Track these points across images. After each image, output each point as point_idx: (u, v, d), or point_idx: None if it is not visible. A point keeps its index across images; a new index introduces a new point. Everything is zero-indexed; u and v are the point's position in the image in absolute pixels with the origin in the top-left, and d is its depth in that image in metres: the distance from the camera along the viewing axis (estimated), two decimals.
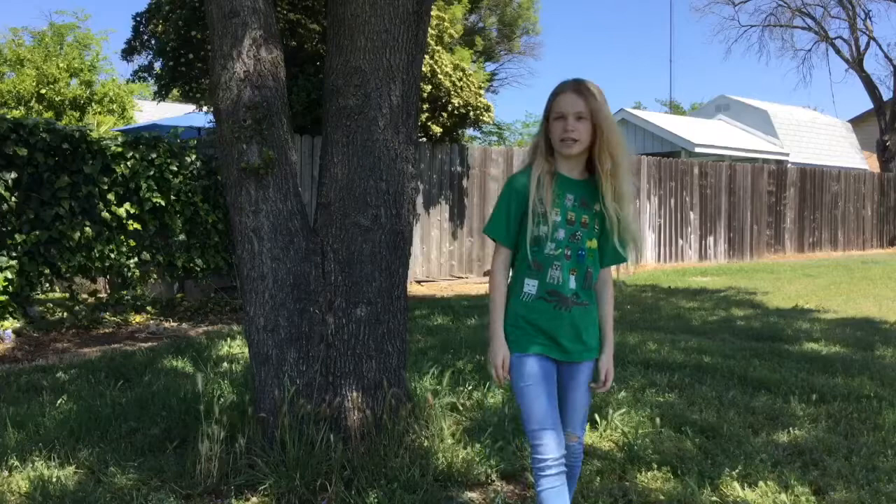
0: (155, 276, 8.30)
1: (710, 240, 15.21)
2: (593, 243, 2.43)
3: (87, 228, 7.49)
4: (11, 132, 6.98)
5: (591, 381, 2.49)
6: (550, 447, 2.33)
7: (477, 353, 5.61)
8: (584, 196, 2.42)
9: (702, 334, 6.64)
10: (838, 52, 23.87)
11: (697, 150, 18.12)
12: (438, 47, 10.65)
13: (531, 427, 2.36)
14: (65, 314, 7.45)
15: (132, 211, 7.89)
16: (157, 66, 9.74)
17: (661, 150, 18.15)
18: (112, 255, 7.74)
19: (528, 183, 2.40)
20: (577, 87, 2.36)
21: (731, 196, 15.49)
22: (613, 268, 2.54)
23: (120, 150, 7.77)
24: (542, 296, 2.40)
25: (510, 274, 2.48)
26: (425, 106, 10.32)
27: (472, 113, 10.84)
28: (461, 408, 4.13)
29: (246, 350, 4.26)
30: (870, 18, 26.58)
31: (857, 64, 23.37)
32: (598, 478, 3.28)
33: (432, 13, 8.34)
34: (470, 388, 4.48)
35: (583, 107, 2.33)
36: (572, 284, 2.40)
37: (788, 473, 3.30)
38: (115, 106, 18.35)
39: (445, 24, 11.38)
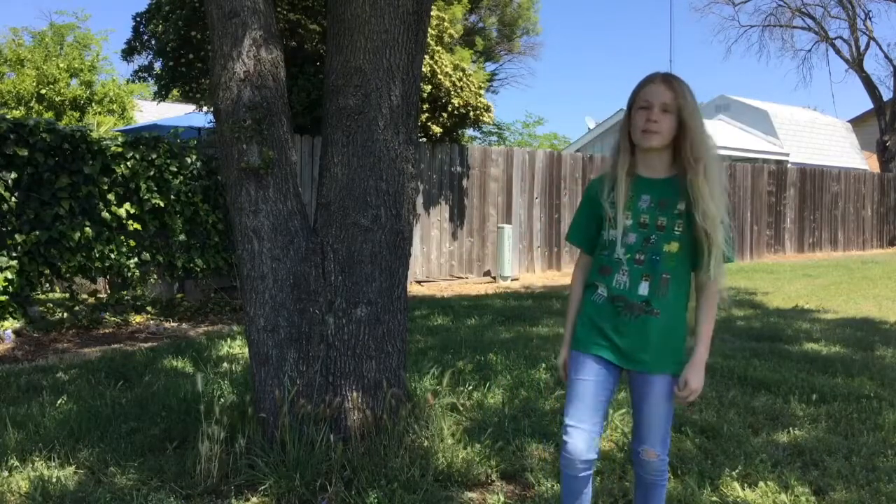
0: (155, 276, 8.29)
1: None
2: (673, 247, 2.27)
3: (87, 228, 7.49)
4: (11, 132, 6.98)
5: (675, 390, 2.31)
6: (575, 446, 2.30)
7: (477, 354, 5.61)
8: (664, 196, 2.30)
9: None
10: (838, 52, 23.87)
11: None
12: (438, 47, 10.65)
13: (564, 421, 2.35)
14: (65, 314, 7.45)
15: (132, 211, 7.89)
16: (157, 66, 9.74)
17: None
18: (112, 256, 7.74)
19: (601, 187, 2.36)
20: (667, 78, 2.28)
21: (731, 196, 15.49)
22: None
23: (120, 150, 7.77)
24: (611, 299, 2.33)
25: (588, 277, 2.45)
26: (425, 106, 10.32)
27: (472, 113, 10.84)
28: (461, 408, 4.13)
29: (246, 350, 4.26)
30: (870, 18, 26.62)
31: (857, 64, 23.36)
32: (598, 478, 3.28)
33: (432, 13, 8.34)
34: (470, 388, 4.48)
35: (670, 99, 2.23)
36: (643, 291, 2.28)
37: (788, 473, 3.30)
38: (115, 106, 18.37)
39: (445, 24, 11.38)
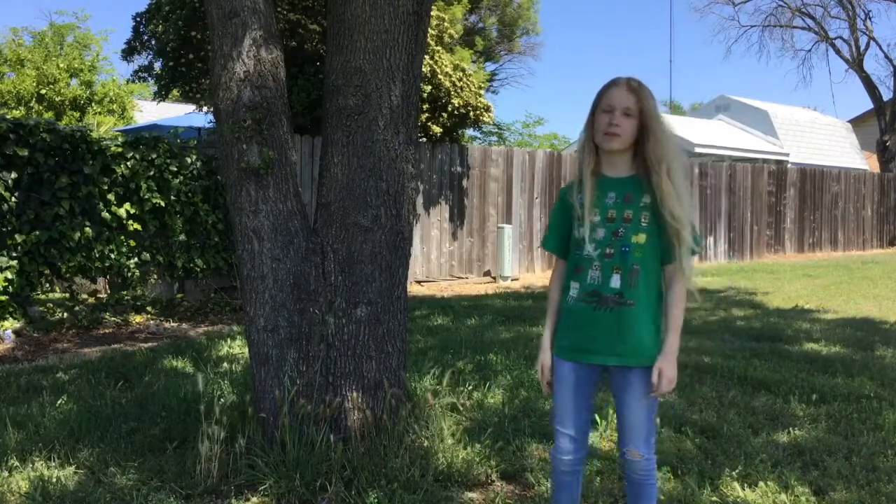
0: (155, 276, 8.29)
1: (710, 240, 15.21)
2: (640, 238, 2.33)
3: (87, 229, 7.49)
4: (11, 132, 6.98)
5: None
6: (562, 448, 2.47)
7: (477, 354, 5.61)
8: (629, 191, 2.37)
9: (702, 334, 6.64)
10: (838, 52, 23.87)
11: (697, 150, 18.13)
12: (438, 47, 10.65)
13: (553, 424, 2.50)
14: (65, 314, 7.45)
15: (132, 211, 7.89)
16: (157, 66, 9.73)
17: None
18: (112, 256, 7.74)
19: (570, 190, 2.45)
20: (630, 83, 2.35)
21: (731, 196, 15.49)
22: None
23: (120, 150, 7.77)
24: (583, 298, 2.37)
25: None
26: (425, 106, 10.32)
27: (472, 113, 10.83)
28: (461, 408, 4.13)
29: (246, 350, 4.26)
30: (870, 18, 26.61)
31: (857, 64, 23.36)
32: (598, 478, 3.28)
33: (432, 13, 8.34)
34: (470, 388, 4.48)
35: (633, 103, 2.31)
36: (615, 283, 2.33)
37: (788, 473, 3.30)
38: (115, 106, 18.36)
39: (445, 24, 11.38)
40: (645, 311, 2.34)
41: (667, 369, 2.30)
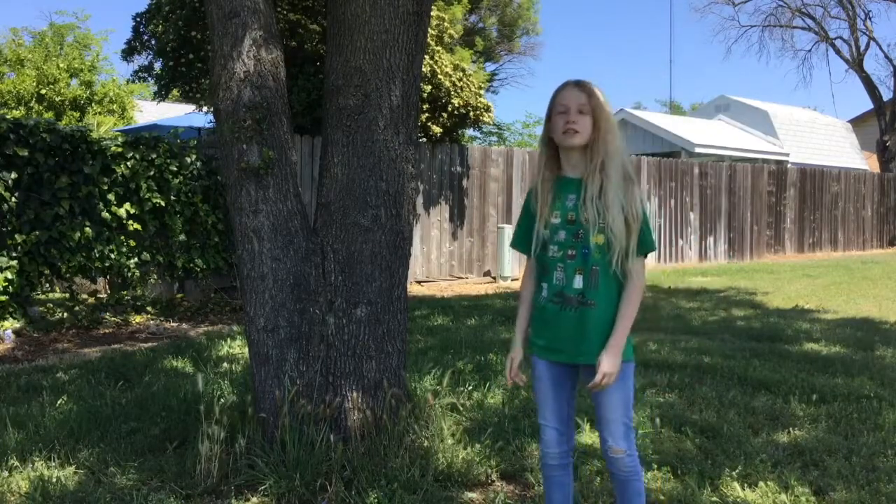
0: (155, 276, 8.29)
1: (710, 240, 15.21)
2: (599, 239, 2.36)
3: (87, 229, 7.49)
4: (11, 132, 6.98)
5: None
6: (547, 441, 2.53)
7: (477, 354, 5.61)
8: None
9: (702, 334, 6.64)
10: (838, 52, 23.88)
11: (697, 150, 18.12)
12: (438, 47, 10.65)
13: (538, 421, 2.55)
14: (65, 314, 7.45)
15: (132, 211, 7.89)
16: (157, 66, 9.74)
17: (661, 151, 18.15)
18: (112, 256, 7.74)
19: (535, 192, 2.50)
20: (580, 83, 2.43)
21: (731, 196, 15.49)
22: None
23: (120, 150, 7.77)
24: (551, 298, 2.44)
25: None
26: (425, 106, 10.32)
27: (472, 113, 10.83)
28: (461, 408, 4.13)
29: (246, 350, 4.26)
30: (870, 18, 26.61)
31: (857, 64, 23.36)
32: (599, 478, 3.28)
33: (432, 13, 8.34)
34: (470, 388, 4.48)
35: (585, 101, 2.37)
36: (578, 284, 2.38)
37: (788, 473, 3.30)
38: (115, 106, 18.35)
39: (445, 24, 11.38)
40: (606, 311, 2.38)
41: (605, 363, 2.32)
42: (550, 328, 2.45)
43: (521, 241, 2.57)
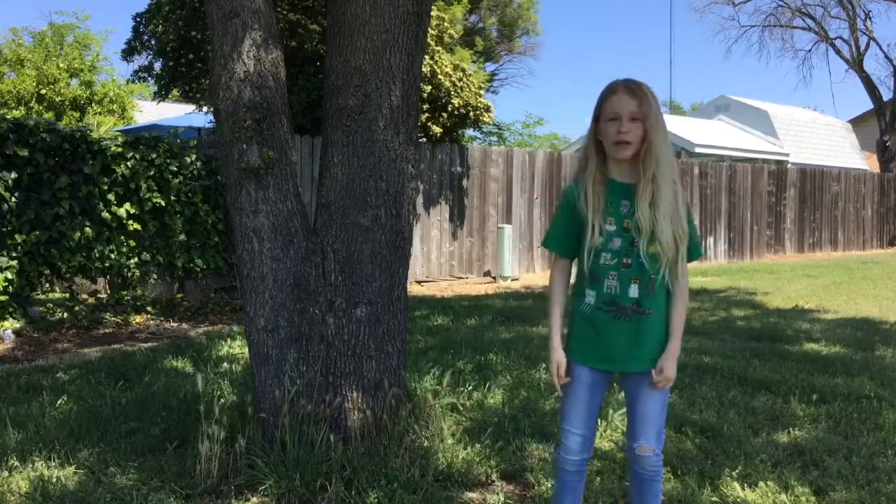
0: (155, 276, 8.29)
1: (710, 240, 15.21)
2: (654, 248, 2.32)
3: (87, 228, 7.49)
4: (11, 132, 6.98)
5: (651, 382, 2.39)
6: (570, 447, 2.47)
7: (477, 354, 5.61)
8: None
9: (702, 334, 6.64)
10: (838, 52, 23.87)
11: (697, 150, 18.13)
12: (438, 47, 10.65)
13: (561, 425, 2.51)
14: (65, 314, 7.45)
15: (132, 211, 7.89)
16: (157, 66, 9.73)
17: None
18: (112, 256, 7.74)
19: (579, 193, 2.38)
20: (631, 87, 2.32)
21: (731, 196, 15.50)
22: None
23: (120, 150, 7.77)
24: (600, 306, 2.38)
25: (573, 284, 2.50)
26: (425, 106, 10.32)
27: (472, 113, 10.83)
28: (461, 408, 4.13)
29: (246, 350, 4.26)
30: (870, 18, 26.55)
31: (857, 64, 23.36)
32: (598, 478, 3.28)
33: (432, 13, 8.34)
34: (470, 388, 4.48)
35: (636, 108, 2.29)
36: (633, 293, 2.34)
37: (788, 473, 3.30)
38: (115, 106, 18.35)
39: (445, 24, 11.38)
40: (660, 318, 2.38)
41: (668, 368, 2.36)
42: (602, 336, 2.39)
43: (557, 242, 2.49)
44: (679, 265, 2.35)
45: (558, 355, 2.44)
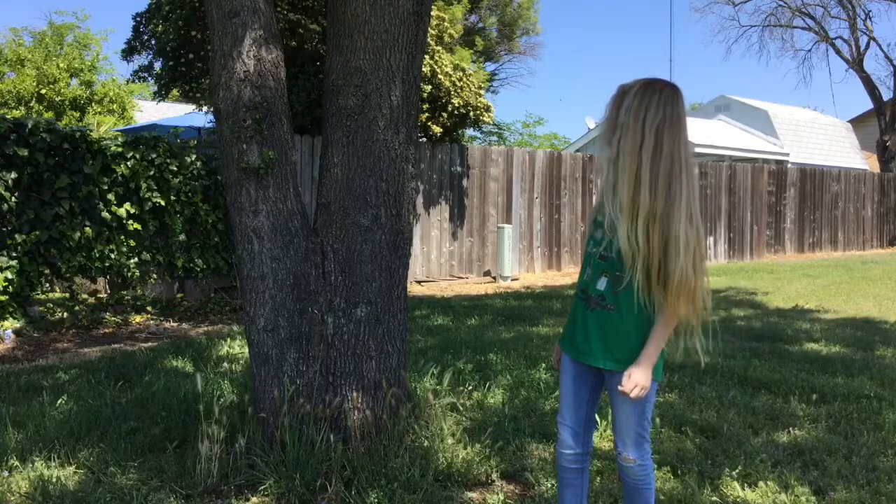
0: (155, 276, 8.29)
1: (710, 240, 15.21)
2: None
3: (87, 228, 7.49)
4: (11, 132, 6.98)
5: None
6: (562, 440, 2.51)
7: (477, 354, 5.61)
8: None
9: (701, 334, 6.63)
10: (838, 52, 23.86)
11: (697, 150, 18.07)
12: (438, 47, 10.65)
13: (557, 419, 2.55)
14: (65, 314, 7.45)
15: (132, 211, 7.89)
16: (157, 66, 9.74)
17: None
18: (112, 256, 7.74)
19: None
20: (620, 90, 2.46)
21: (731, 196, 15.49)
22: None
23: (120, 150, 7.76)
24: (579, 294, 2.43)
25: None
26: (425, 106, 10.32)
27: (472, 113, 10.83)
28: (461, 408, 4.13)
29: (246, 350, 4.27)
30: (870, 18, 26.62)
31: (857, 64, 23.36)
32: (599, 478, 3.28)
33: (432, 13, 8.34)
34: (470, 388, 4.49)
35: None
36: (601, 286, 2.33)
37: (788, 473, 3.30)
38: (115, 106, 18.34)
39: (445, 24, 11.38)
40: (630, 321, 2.29)
41: (635, 374, 2.26)
42: (572, 323, 2.45)
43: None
44: (653, 284, 2.24)
45: (558, 342, 2.56)
